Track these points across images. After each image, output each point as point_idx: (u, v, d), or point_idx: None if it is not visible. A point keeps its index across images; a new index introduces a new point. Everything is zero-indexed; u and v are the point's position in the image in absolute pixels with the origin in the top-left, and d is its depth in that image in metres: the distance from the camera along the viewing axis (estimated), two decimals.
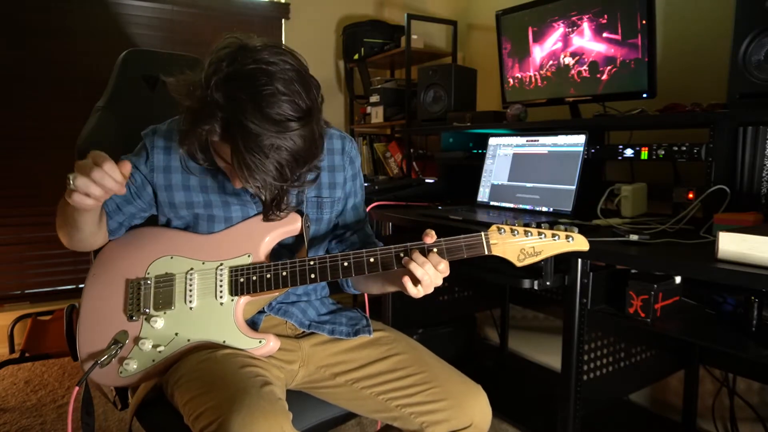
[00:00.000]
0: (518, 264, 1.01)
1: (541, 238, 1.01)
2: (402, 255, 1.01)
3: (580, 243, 1.01)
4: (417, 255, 0.99)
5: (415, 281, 0.99)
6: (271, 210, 1.03)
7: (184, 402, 0.96)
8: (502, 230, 1.01)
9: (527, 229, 1.01)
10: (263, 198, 0.97)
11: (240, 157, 0.89)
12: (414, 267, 0.98)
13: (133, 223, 1.16)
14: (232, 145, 0.90)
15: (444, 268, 0.99)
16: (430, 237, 1.00)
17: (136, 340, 1.07)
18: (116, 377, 1.07)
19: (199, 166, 1.09)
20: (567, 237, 1.00)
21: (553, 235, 1.00)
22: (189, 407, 0.93)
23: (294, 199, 1.07)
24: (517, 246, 1.01)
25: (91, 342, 1.10)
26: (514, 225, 1.01)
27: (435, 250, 1.00)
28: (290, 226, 1.10)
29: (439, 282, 1.00)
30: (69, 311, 1.18)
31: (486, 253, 1.02)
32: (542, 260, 1.02)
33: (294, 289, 1.19)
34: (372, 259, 1.02)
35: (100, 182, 0.88)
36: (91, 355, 1.09)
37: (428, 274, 0.98)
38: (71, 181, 0.88)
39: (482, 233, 1.02)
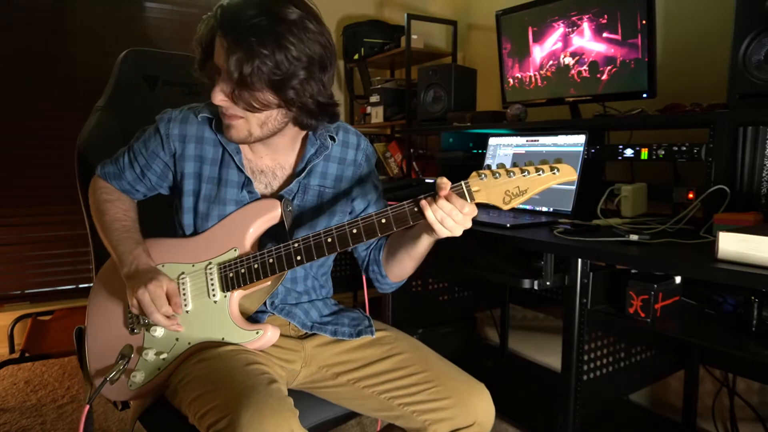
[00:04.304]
0: (505, 207, 0.94)
1: (524, 176, 0.93)
2: (416, 209, 0.96)
3: (566, 173, 0.93)
4: (442, 202, 0.93)
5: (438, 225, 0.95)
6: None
7: (189, 401, 0.96)
8: (483, 175, 0.95)
9: (509, 169, 0.94)
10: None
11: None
12: (433, 212, 0.94)
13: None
14: None
15: (469, 210, 0.94)
16: (445, 186, 0.94)
17: (140, 351, 1.07)
18: (127, 391, 1.07)
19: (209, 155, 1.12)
20: (552, 169, 0.93)
21: (537, 170, 0.93)
22: (194, 406, 0.93)
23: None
24: (501, 188, 0.94)
25: (101, 361, 1.12)
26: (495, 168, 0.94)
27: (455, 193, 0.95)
28: (271, 213, 1.09)
29: (469, 224, 0.95)
30: (78, 334, 1.19)
31: (469, 201, 0.94)
32: (529, 198, 0.94)
33: (295, 287, 1.19)
34: (384, 220, 0.98)
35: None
36: (99, 371, 1.10)
37: (449, 216, 0.94)
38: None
39: (462, 182, 0.95)
